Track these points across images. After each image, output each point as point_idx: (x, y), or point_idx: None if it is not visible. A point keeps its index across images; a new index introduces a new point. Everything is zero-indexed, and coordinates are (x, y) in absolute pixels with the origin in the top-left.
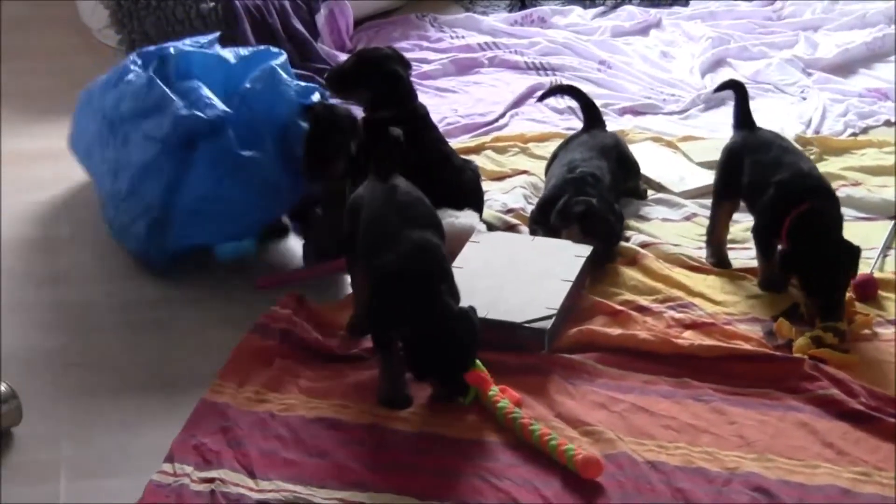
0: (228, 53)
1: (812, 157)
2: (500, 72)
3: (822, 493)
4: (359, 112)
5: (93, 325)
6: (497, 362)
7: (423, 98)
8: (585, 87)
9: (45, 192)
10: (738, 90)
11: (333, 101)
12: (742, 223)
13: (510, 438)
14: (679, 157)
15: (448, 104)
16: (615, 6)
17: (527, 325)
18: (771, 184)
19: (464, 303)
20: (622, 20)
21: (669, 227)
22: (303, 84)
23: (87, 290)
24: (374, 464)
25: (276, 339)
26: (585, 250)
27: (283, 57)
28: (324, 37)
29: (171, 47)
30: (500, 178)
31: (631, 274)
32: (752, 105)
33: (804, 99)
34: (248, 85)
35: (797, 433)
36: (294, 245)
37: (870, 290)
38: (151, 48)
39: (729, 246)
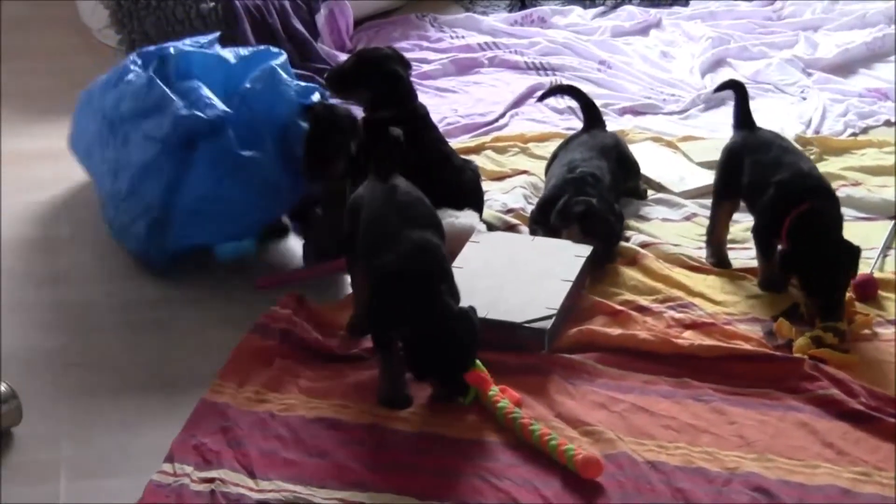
0: (228, 53)
1: (812, 157)
2: (500, 72)
3: (822, 493)
4: (359, 112)
5: (93, 325)
6: (497, 362)
7: (423, 98)
8: (585, 87)
9: (45, 192)
10: (738, 90)
11: (333, 101)
12: (742, 223)
13: (510, 438)
14: (679, 157)
15: (448, 104)
16: (615, 6)
17: (527, 325)
18: (771, 184)
19: (464, 303)
20: (622, 20)
21: (669, 227)
22: (303, 84)
23: (87, 290)
24: (374, 464)
25: (276, 339)
26: (585, 250)
27: (283, 57)
28: (324, 37)
29: (171, 47)
30: (500, 178)
31: (631, 274)
32: (752, 105)
33: (804, 99)
34: (247, 85)
35: (797, 433)
36: (294, 245)
37: (870, 290)
38: (151, 48)
39: (729, 246)
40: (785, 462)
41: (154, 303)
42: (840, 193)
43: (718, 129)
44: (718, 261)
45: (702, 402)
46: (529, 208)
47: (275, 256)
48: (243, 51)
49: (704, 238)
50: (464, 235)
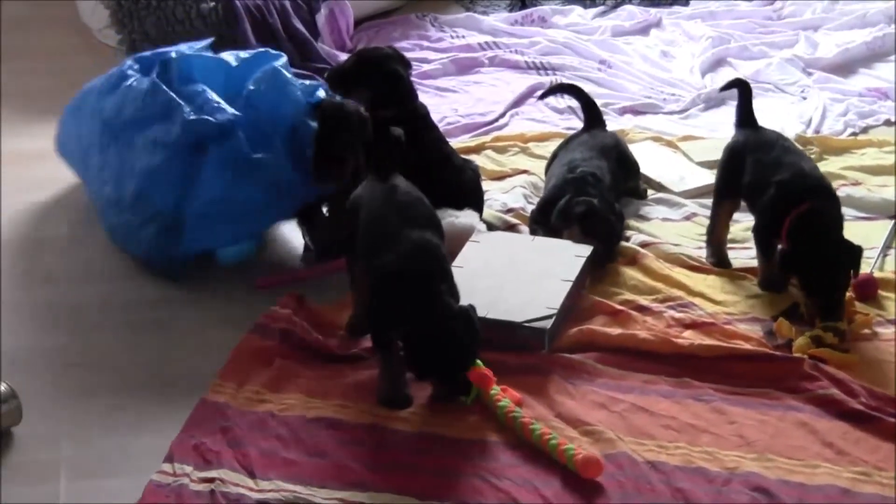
0: (229, 56)
1: (812, 156)
2: (501, 71)
3: (822, 493)
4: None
5: (93, 325)
6: (497, 362)
7: (423, 98)
8: (586, 87)
9: (45, 192)
10: (742, 88)
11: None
12: (742, 223)
13: (510, 438)
14: (679, 157)
15: (448, 104)
16: (615, 6)
17: (527, 324)
18: (771, 183)
19: (464, 302)
20: (622, 20)
21: (669, 227)
22: (307, 82)
23: (87, 290)
24: (373, 464)
25: (276, 339)
26: (585, 250)
27: (284, 59)
28: (324, 36)
29: (173, 52)
30: (500, 177)
31: (631, 274)
32: (753, 104)
33: (804, 98)
34: (251, 86)
35: (797, 433)
36: (294, 245)
37: (869, 289)
38: (147, 53)
39: (729, 246)
40: (785, 462)
41: (154, 303)
42: (840, 193)
43: (718, 128)
44: (718, 260)
45: (702, 401)
46: (529, 208)
47: (275, 256)
48: (243, 53)
49: (704, 238)
50: (464, 235)
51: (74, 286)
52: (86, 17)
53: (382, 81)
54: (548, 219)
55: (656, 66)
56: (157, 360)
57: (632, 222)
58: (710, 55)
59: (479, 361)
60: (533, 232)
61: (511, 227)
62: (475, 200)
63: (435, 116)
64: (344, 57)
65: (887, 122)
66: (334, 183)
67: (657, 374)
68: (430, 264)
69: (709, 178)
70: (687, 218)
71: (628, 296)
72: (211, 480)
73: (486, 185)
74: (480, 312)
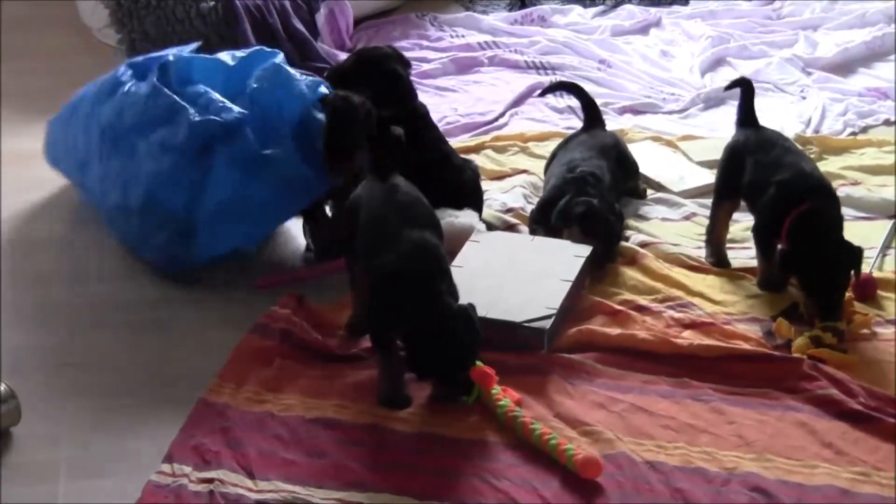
0: (225, 56)
1: (812, 156)
2: (500, 71)
3: (821, 493)
4: None
5: (92, 325)
6: (496, 362)
7: (422, 97)
8: (585, 86)
9: (45, 192)
10: (744, 88)
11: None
12: (741, 223)
13: (509, 439)
14: (678, 157)
15: (448, 103)
16: (615, 5)
17: (526, 324)
18: (772, 183)
19: (463, 302)
20: (622, 19)
21: (669, 227)
22: (310, 77)
23: (87, 290)
24: (373, 464)
25: (276, 339)
26: (585, 250)
27: (281, 56)
28: (324, 36)
29: (170, 55)
30: (499, 177)
31: (630, 273)
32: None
33: (804, 98)
34: (254, 84)
35: (796, 433)
36: (294, 245)
37: (869, 289)
38: (139, 58)
39: (728, 245)
40: (784, 462)
41: (154, 303)
42: (839, 193)
43: (718, 128)
44: (718, 260)
45: (701, 401)
46: (529, 208)
47: (275, 256)
48: (239, 53)
49: (704, 237)
50: (463, 235)
51: (74, 286)
52: (85, 16)
53: (382, 81)
54: (547, 219)
55: (656, 66)
56: (157, 360)
57: (631, 222)
58: (710, 55)
59: (478, 362)
60: (532, 232)
61: (510, 227)
62: (475, 200)
63: (434, 116)
64: (343, 56)
65: (887, 122)
66: (345, 175)
67: (656, 374)
68: (430, 264)
69: (708, 177)
70: (686, 218)
71: (627, 296)
72: (210, 481)
73: (485, 184)
74: (480, 312)
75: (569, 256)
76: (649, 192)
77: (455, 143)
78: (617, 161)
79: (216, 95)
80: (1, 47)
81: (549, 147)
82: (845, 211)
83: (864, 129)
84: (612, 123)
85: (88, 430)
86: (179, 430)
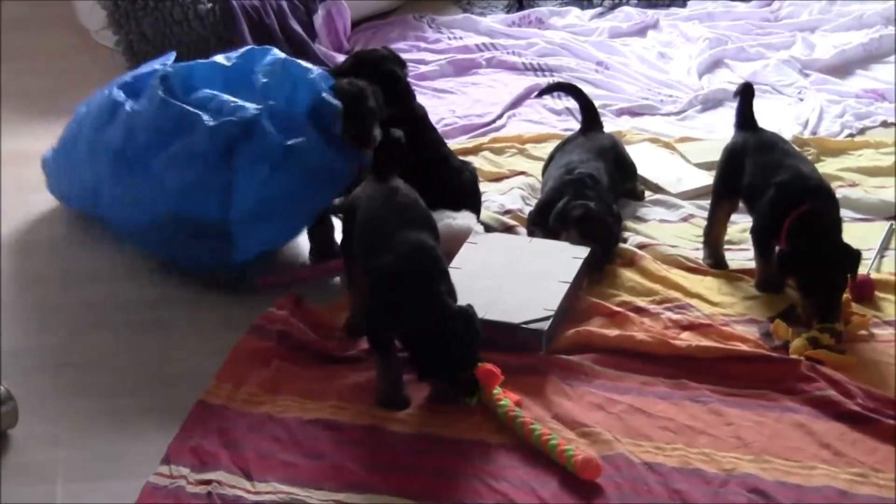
0: (220, 59)
1: (809, 158)
2: (498, 73)
3: (819, 495)
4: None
5: (92, 326)
6: (495, 363)
7: (420, 99)
8: (583, 88)
9: (44, 192)
10: (746, 90)
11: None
12: (739, 224)
13: (508, 440)
14: (676, 159)
15: (446, 105)
16: (613, 7)
17: (524, 325)
18: (771, 185)
19: (461, 303)
20: (620, 21)
21: (667, 229)
22: (315, 67)
23: (86, 290)
24: (371, 465)
25: (274, 340)
26: (583, 252)
27: (275, 51)
28: (321, 38)
29: (155, 66)
30: (497, 179)
31: (628, 275)
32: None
33: (801, 100)
34: (263, 79)
35: (794, 434)
36: (294, 245)
37: (866, 290)
38: (128, 78)
39: (726, 247)
40: (782, 463)
41: (154, 303)
42: (837, 194)
43: (715, 129)
44: (715, 262)
45: (699, 403)
46: (527, 209)
47: (275, 256)
48: (232, 54)
49: (702, 239)
50: (461, 236)
51: (73, 286)
52: (83, 17)
53: (380, 83)
54: (545, 220)
55: (653, 68)
56: (157, 361)
57: (629, 224)
58: (708, 56)
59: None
60: (530, 233)
61: (508, 229)
62: (473, 202)
63: (432, 118)
64: (341, 58)
65: (884, 124)
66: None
67: (654, 375)
68: (429, 265)
69: (706, 179)
70: (684, 219)
71: (626, 297)
72: (208, 482)
73: (483, 186)
74: (478, 313)
75: (567, 258)
76: (647, 193)
77: (453, 144)
78: (615, 163)
79: (227, 97)
80: (1, 47)
81: (546, 149)
82: (842, 212)
83: (862, 131)
84: (610, 125)
85: (87, 430)
86: (177, 431)
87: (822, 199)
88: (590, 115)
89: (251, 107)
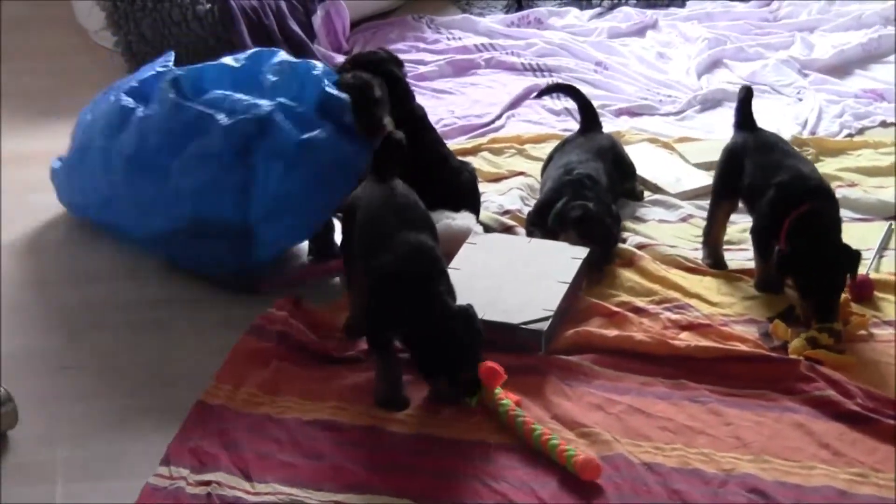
0: (229, 60)
1: (808, 158)
2: (497, 73)
3: (819, 495)
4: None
5: (92, 326)
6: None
7: (419, 99)
8: (582, 89)
9: (45, 192)
10: (743, 90)
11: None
12: (738, 224)
13: (508, 440)
14: (675, 159)
15: (445, 105)
16: (612, 7)
17: (524, 326)
18: (771, 185)
19: (461, 303)
20: (618, 21)
21: (666, 229)
22: (319, 64)
23: (86, 290)
24: (371, 465)
25: (273, 341)
26: (582, 252)
27: (281, 52)
28: (320, 38)
29: (163, 67)
30: (496, 179)
31: (627, 275)
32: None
33: (800, 100)
34: (272, 78)
35: (793, 434)
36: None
37: (866, 290)
38: (133, 83)
39: (725, 247)
40: (781, 463)
41: (154, 303)
42: (836, 194)
43: (714, 130)
44: (715, 262)
45: (698, 403)
46: (526, 210)
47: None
48: (242, 55)
49: (701, 239)
50: (461, 237)
51: (73, 287)
52: (82, 18)
53: None
54: (544, 221)
55: (652, 68)
56: (157, 361)
57: (628, 224)
58: (707, 57)
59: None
60: (529, 234)
61: (508, 229)
62: (472, 202)
63: (431, 118)
64: (340, 59)
65: (883, 124)
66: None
67: (654, 375)
68: (428, 265)
69: (705, 179)
70: (683, 219)
71: (625, 297)
72: (207, 483)
73: (482, 186)
74: (477, 314)
75: (566, 258)
76: (646, 193)
77: (452, 145)
78: (614, 163)
79: (239, 95)
80: (1, 47)
81: (545, 149)
82: (842, 212)
83: (861, 131)
84: (609, 125)
85: (87, 430)
86: (177, 431)
87: (821, 200)
88: (589, 116)
89: (265, 104)
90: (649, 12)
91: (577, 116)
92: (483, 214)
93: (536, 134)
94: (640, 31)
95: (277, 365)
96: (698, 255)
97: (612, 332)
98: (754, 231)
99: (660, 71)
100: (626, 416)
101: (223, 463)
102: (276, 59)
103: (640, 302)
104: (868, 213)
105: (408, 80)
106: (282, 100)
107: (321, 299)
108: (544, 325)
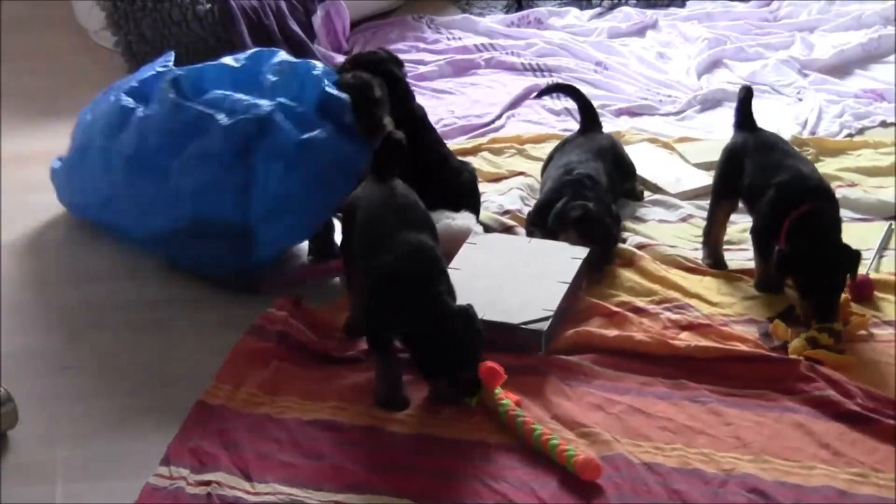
0: (229, 60)
1: (808, 158)
2: (497, 73)
3: (819, 495)
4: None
5: (92, 326)
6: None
7: (419, 99)
8: (582, 89)
9: (45, 193)
10: (743, 91)
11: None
12: (738, 224)
13: (508, 440)
14: (675, 159)
15: (445, 105)
16: (612, 7)
17: (524, 326)
18: (771, 185)
19: (461, 303)
20: (618, 21)
21: (666, 229)
22: (319, 64)
23: (86, 290)
24: (371, 465)
25: (273, 341)
26: (582, 252)
27: (282, 53)
28: (320, 38)
29: (163, 67)
30: (496, 179)
31: (627, 275)
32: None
33: (800, 100)
34: (272, 77)
35: (793, 434)
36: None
37: (866, 290)
38: (133, 83)
39: (725, 247)
40: (781, 463)
41: (154, 303)
42: (836, 194)
43: (714, 130)
44: (715, 262)
45: (698, 403)
46: (526, 210)
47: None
48: (241, 56)
49: (701, 239)
50: (461, 237)
51: (73, 287)
52: (82, 18)
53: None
54: (544, 221)
55: (652, 68)
56: (157, 361)
57: (628, 224)
58: (707, 56)
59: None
60: (529, 234)
61: (508, 229)
62: (472, 202)
63: (431, 118)
64: (340, 59)
65: (883, 124)
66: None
67: (654, 375)
68: (428, 266)
69: (705, 179)
70: (683, 219)
71: (625, 297)
72: (207, 483)
73: (482, 186)
74: (477, 314)
75: (566, 258)
76: (646, 194)
77: (452, 145)
78: (614, 163)
79: (239, 95)
80: (1, 47)
81: (545, 149)
82: (842, 212)
83: (861, 131)
84: (609, 125)
85: (87, 430)
86: (177, 431)
87: (821, 200)
88: (589, 116)
89: (265, 103)
90: (649, 12)
91: (577, 116)
92: (483, 214)
93: (536, 134)
94: (640, 31)
95: (277, 365)
96: (698, 255)
97: (612, 332)
98: (754, 231)
99: (660, 71)
100: (626, 416)
101: (223, 463)
102: (276, 59)
103: (640, 302)
104: (868, 213)
105: (408, 80)
106: (282, 100)
107: (321, 299)
108: (544, 325)
